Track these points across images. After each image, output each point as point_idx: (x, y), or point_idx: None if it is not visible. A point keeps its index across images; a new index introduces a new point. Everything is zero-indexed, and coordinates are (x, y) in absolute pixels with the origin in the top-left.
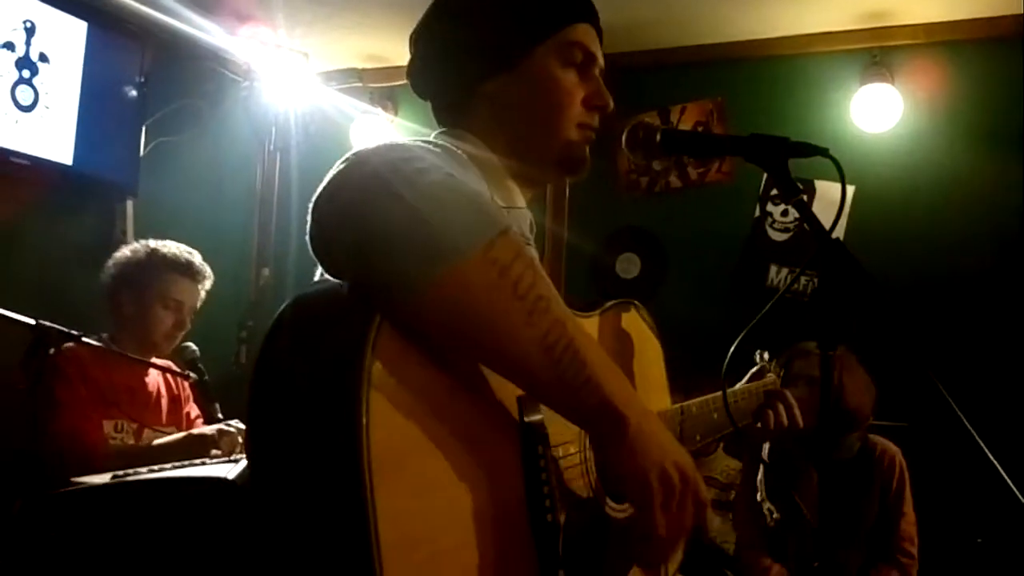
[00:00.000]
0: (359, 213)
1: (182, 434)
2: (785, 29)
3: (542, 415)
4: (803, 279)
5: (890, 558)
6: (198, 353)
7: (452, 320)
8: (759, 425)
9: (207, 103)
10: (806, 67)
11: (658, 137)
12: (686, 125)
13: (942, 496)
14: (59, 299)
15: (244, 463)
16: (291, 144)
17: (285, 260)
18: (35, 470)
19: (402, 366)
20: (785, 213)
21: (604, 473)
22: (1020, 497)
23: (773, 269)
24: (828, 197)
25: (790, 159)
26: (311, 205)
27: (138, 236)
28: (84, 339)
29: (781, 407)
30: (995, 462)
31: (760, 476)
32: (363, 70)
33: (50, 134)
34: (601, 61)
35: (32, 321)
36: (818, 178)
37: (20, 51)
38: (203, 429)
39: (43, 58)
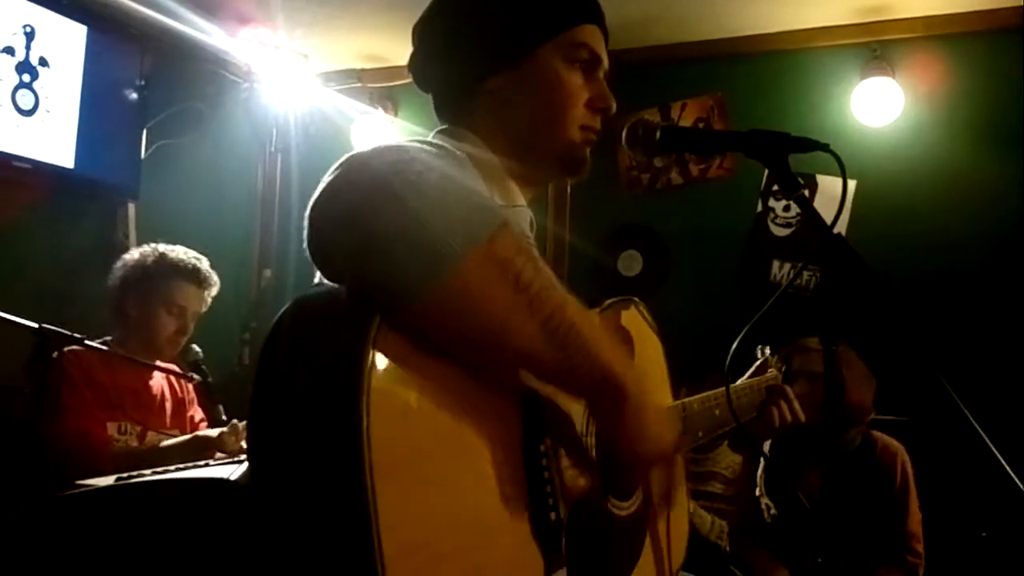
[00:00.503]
0: (357, 218)
1: (187, 436)
2: (785, 24)
3: (544, 414)
4: (805, 274)
5: (897, 557)
6: (202, 355)
7: (456, 320)
8: (763, 421)
9: (207, 105)
10: (806, 62)
11: (658, 134)
12: (687, 121)
13: (945, 491)
14: (62, 302)
15: (247, 464)
16: (292, 145)
17: (287, 261)
18: (40, 473)
19: (402, 368)
20: (787, 208)
21: (602, 440)
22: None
23: (776, 264)
24: (830, 191)
25: (791, 154)
26: (308, 211)
27: (140, 239)
28: (87, 342)
29: (783, 403)
30: (999, 456)
31: (760, 471)
32: (363, 71)
33: (51, 138)
34: (606, 63)
35: (35, 325)
36: (819, 172)
37: (20, 55)
38: (208, 431)
39: (43, 62)
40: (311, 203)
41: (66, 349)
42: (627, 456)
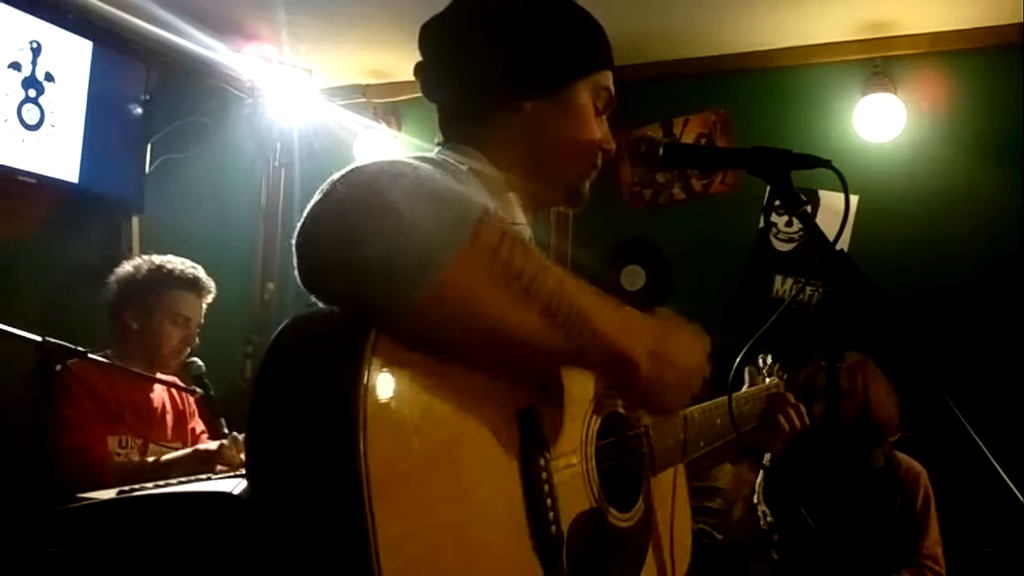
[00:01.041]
0: (341, 240)
1: (189, 450)
2: (787, 40)
3: (543, 427)
4: (808, 289)
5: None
6: (204, 368)
7: (454, 324)
8: (768, 430)
9: (212, 120)
10: (809, 78)
11: (661, 151)
12: (689, 137)
13: (947, 506)
14: (65, 316)
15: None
16: (295, 160)
17: (290, 275)
18: (41, 486)
19: (399, 384)
20: (789, 223)
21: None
22: None
23: (778, 280)
24: (832, 207)
25: (793, 170)
26: (294, 243)
27: (144, 253)
28: (90, 355)
29: (789, 409)
30: (1001, 471)
31: (759, 479)
32: (367, 86)
33: (56, 152)
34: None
35: (39, 338)
36: (822, 188)
37: (26, 71)
38: (209, 444)
39: (49, 77)
40: (295, 236)
41: (68, 362)
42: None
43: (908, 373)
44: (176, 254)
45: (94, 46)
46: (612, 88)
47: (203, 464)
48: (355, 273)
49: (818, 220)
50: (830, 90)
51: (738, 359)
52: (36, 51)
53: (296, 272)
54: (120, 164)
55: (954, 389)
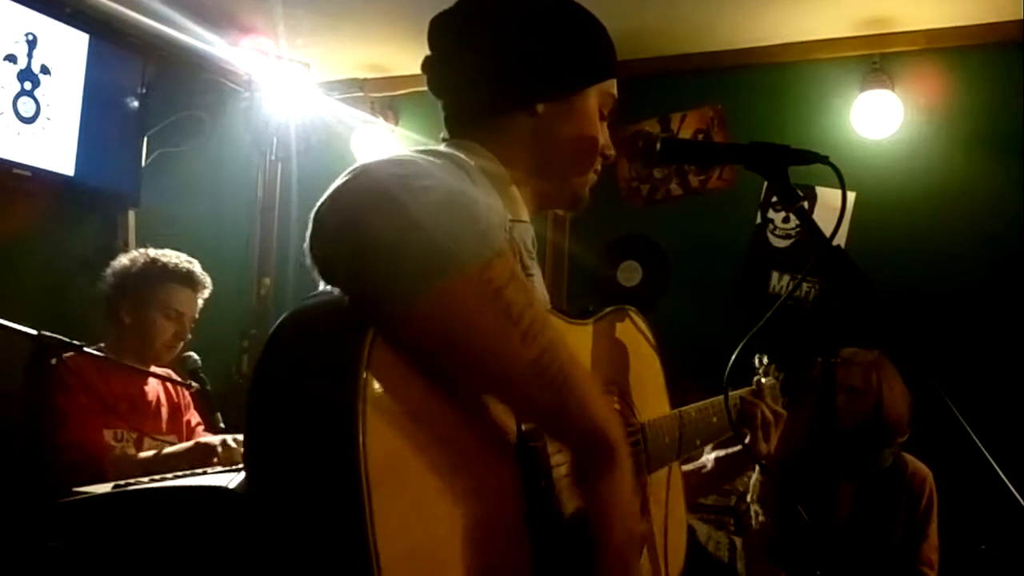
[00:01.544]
0: (357, 225)
1: (190, 443)
2: (785, 36)
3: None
4: (805, 286)
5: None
6: (200, 363)
7: (443, 336)
8: (744, 431)
9: (208, 114)
10: (806, 74)
11: (658, 146)
12: (687, 133)
13: (944, 503)
14: (61, 309)
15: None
16: (292, 154)
17: (286, 269)
18: (37, 480)
19: (397, 380)
20: (787, 220)
21: (580, 489)
22: (1023, 504)
23: (775, 276)
24: (829, 203)
25: (790, 166)
26: (312, 214)
27: (140, 246)
28: (85, 349)
29: (755, 409)
30: (998, 469)
31: (755, 478)
32: (364, 80)
33: (52, 145)
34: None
35: (34, 331)
36: (819, 184)
37: (22, 63)
38: (211, 438)
39: (45, 70)
40: (315, 209)
41: (64, 356)
42: (606, 514)
43: (906, 370)
44: (172, 248)
45: (90, 39)
46: (616, 96)
47: (204, 458)
48: (362, 259)
49: (815, 216)
50: (828, 86)
51: (734, 355)
52: (32, 43)
53: (306, 244)
54: (116, 157)
55: (951, 386)
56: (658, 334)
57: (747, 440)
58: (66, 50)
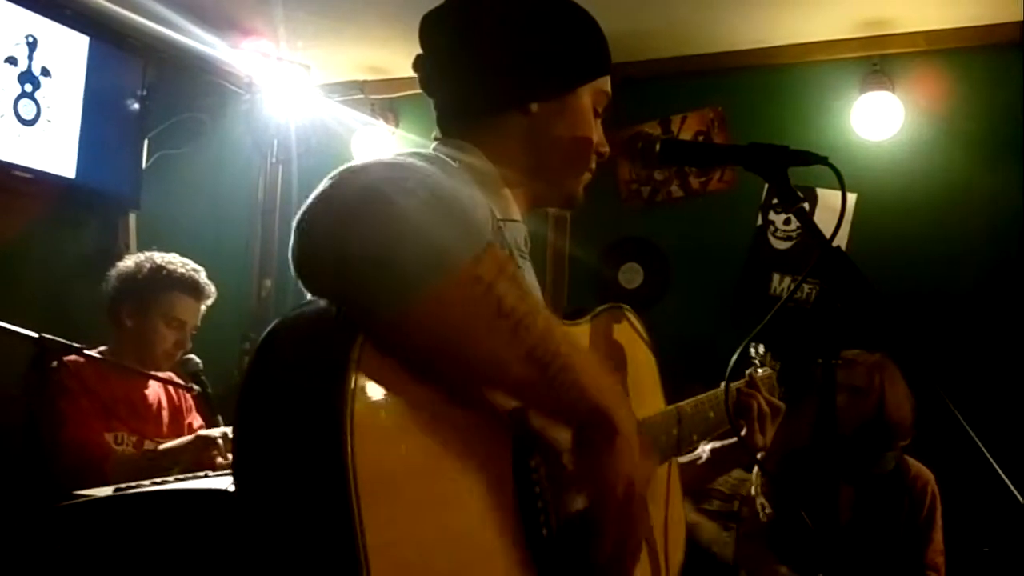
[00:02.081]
0: (340, 235)
1: (191, 436)
2: (785, 38)
3: (533, 426)
4: (806, 287)
5: None
6: (201, 365)
7: (437, 338)
8: (742, 423)
9: (209, 116)
10: (806, 75)
11: (658, 147)
12: (687, 134)
13: (946, 506)
14: (62, 312)
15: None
16: (293, 156)
17: (287, 272)
18: (37, 483)
19: (387, 387)
20: (787, 221)
21: (576, 472)
22: None
23: (776, 277)
24: (830, 205)
25: (791, 168)
26: (295, 222)
27: (140, 248)
28: (86, 352)
29: (750, 400)
30: (1000, 471)
31: (755, 471)
32: (364, 82)
33: (52, 147)
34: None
35: (35, 334)
36: (819, 186)
37: (23, 65)
38: (211, 431)
39: (45, 72)
40: (297, 217)
41: (64, 359)
42: (606, 495)
43: (907, 372)
44: (173, 250)
45: (91, 41)
46: (610, 93)
47: (204, 450)
48: (347, 270)
49: (816, 218)
50: (828, 88)
51: (734, 356)
52: (32, 46)
53: (291, 260)
54: (117, 160)
55: (952, 388)
56: (658, 335)
57: (743, 433)
58: (67, 52)
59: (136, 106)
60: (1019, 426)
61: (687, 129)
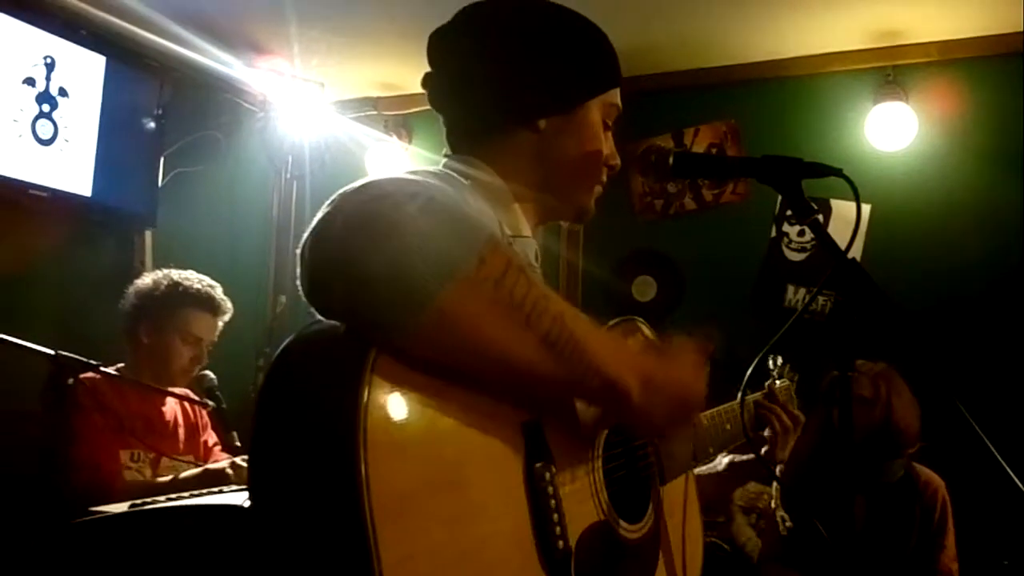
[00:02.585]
0: (347, 256)
1: (199, 470)
2: (798, 49)
3: (548, 440)
4: (820, 299)
5: None
6: (216, 381)
7: (453, 343)
8: (765, 434)
9: (224, 134)
10: (820, 87)
11: (672, 160)
12: (700, 147)
13: (965, 518)
14: (78, 329)
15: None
16: (307, 173)
17: None
18: (53, 500)
19: (399, 404)
20: (801, 233)
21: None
22: None
23: (790, 289)
24: (844, 216)
25: (805, 179)
26: (299, 251)
27: (156, 266)
28: (102, 369)
29: (770, 415)
30: (1019, 483)
31: (775, 485)
32: (378, 98)
33: (69, 166)
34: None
35: (51, 352)
36: (833, 197)
37: (40, 86)
38: (219, 464)
39: (63, 92)
40: (300, 246)
41: (80, 376)
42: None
43: (923, 383)
44: (189, 267)
45: (107, 61)
46: (620, 104)
47: (214, 484)
48: (358, 291)
49: (830, 229)
50: (841, 99)
51: (750, 369)
52: (50, 66)
53: (298, 284)
54: (133, 178)
55: (967, 399)
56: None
57: (764, 449)
58: (83, 72)
59: (152, 125)
60: None
61: (700, 142)
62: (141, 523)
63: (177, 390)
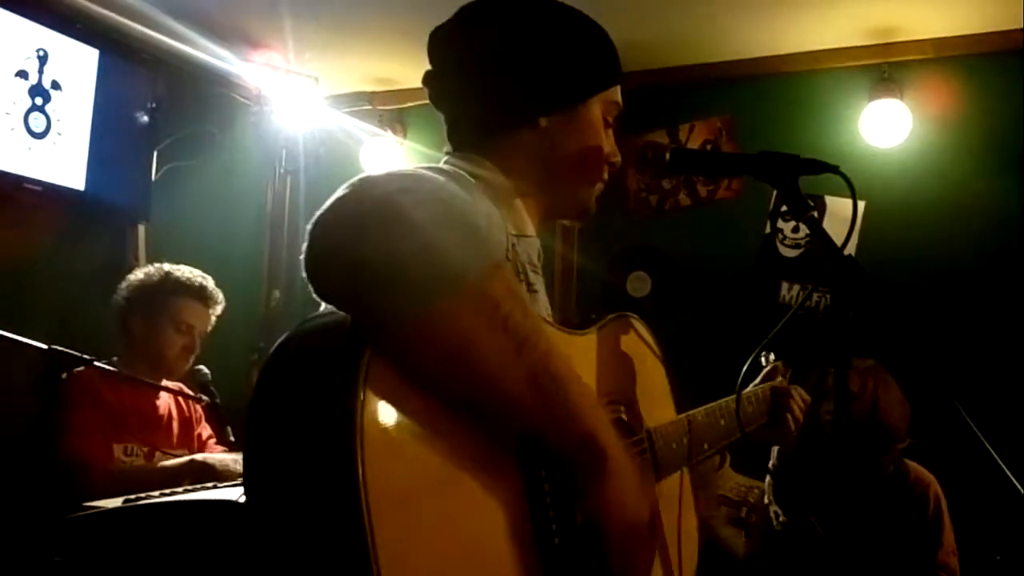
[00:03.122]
0: (353, 244)
1: (187, 458)
2: (793, 46)
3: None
4: (815, 295)
5: None
6: (210, 376)
7: (441, 352)
8: (779, 427)
9: (218, 128)
10: (815, 83)
11: (667, 156)
12: (695, 143)
13: (957, 512)
14: (72, 323)
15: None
16: (301, 167)
17: (296, 282)
18: (47, 494)
19: (396, 401)
20: (796, 229)
21: (578, 502)
22: None
23: (785, 286)
24: (839, 213)
25: (800, 176)
26: (308, 228)
27: (150, 260)
28: (96, 363)
29: (793, 404)
30: (1012, 477)
31: (768, 480)
32: (372, 93)
33: (62, 160)
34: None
35: (45, 346)
36: (828, 194)
37: (33, 79)
38: (207, 456)
39: (56, 85)
40: (311, 224)
41: (74, 370)
42: (601, 523)
43: (918, 379)
44: (182, 261)
45: (100, 54)
46: (621, 101)
47: (202, 474)
48: (359, 280)
49: (825, 226)
50: (836, 96)
51: (746, 365)
52: (43, 59)
53: (302, 265)
54: (126, 172)
55: (962, 395)
56: (667, 344)
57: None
58: (76, 66)
59: (145, 119)
60: None
61: (695, 138)
62: (135, 518)
63: (171, 385)
